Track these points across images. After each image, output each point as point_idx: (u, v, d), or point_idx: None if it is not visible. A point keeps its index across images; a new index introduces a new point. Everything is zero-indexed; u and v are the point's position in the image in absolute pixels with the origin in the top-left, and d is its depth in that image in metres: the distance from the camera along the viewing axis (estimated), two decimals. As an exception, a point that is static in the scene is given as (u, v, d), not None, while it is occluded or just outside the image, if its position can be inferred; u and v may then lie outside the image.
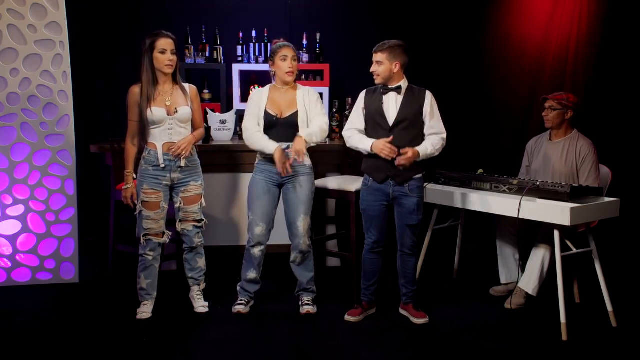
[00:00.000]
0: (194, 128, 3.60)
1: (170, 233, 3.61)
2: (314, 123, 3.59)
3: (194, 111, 3.57)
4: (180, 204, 3.55)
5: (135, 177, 3.51)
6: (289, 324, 3.54)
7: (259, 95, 3.64)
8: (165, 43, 3.41)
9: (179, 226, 3.59)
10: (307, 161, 3.62)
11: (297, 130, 3.56)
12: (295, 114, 3.58)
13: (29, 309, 3.78)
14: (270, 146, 3.49)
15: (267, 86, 3.69)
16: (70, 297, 3.99)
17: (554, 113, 3.84)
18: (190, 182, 3.54)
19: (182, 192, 3.54)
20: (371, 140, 3.38)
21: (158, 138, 3.46)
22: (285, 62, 3.54)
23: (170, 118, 3.45)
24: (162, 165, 3.46)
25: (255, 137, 3.55)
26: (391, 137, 3.33)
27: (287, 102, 3.60)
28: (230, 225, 4.49)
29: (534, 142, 4.08)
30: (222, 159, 4.37)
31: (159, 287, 3.66)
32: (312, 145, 3.59)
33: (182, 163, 3.47)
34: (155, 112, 3.42)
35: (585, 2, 5.24)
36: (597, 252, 3.52)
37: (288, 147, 3.53)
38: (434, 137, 3.41)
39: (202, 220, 3.63)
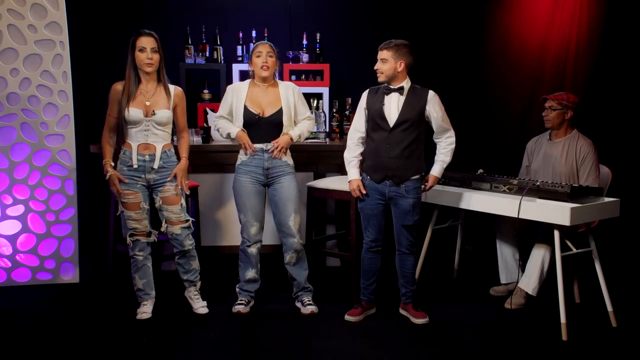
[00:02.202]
0: (178, 132, 3.56)
1: (157, 232, 3.60)
2: (302, 124, 3.66)
3: (178, 114, 3.53)
4: (160, 203, 3.53)
5: (113, 164, 3.47)
6: (289, 323, 3.54)
7: (238, 89, 3.61)
8: (144, 41, 3.38)
9: (164, 227, 3.55)
10: (290, 160, 3.64)
11: (280, 130, 3.57)
12: (279, 112, 3.56)
13: (29, 309, 3.78)
14: (233, 130, 3.56)
15: (247, 81, 3.66)
16: (70, 297, 3.99)
17: (554, 113, 3.84)
18: (167, 183, 3.50)
19: (160, 192, 3.51)
20: (353, 174, 3.50)
21: (134, 138, 3.45)
22: (260, 57, 3.53)
23: (147, 120, 3.42)
24: (135, 166, 3.44)
25: (221, 123, 3.62)
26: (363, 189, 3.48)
27: (269, 100, 3.58)
28: (229, 225, 4.49)
29: (534, 142, 4.08)
30: (222, 159, 4.36)
31: (159, 287, 3.66)
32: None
33: (186, 191, 3.52)
34: (132, 112, 3.40)
35: (585, 2, 5.24)
36: (597, 252, 3.52)
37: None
38: (444, 144, 3.46)
39: (188, 220, 3.57)
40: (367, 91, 3.54)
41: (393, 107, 3.40)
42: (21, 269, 4.19)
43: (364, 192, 3.47)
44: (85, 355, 3.15)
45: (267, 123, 3.55)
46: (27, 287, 4.16)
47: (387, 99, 3.42)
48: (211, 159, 4.30)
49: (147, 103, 3.43)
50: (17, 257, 4.18)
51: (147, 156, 3.45)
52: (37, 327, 3.50)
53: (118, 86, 3.45)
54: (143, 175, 3.47)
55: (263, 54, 3.53)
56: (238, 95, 3.58)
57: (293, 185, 3.63)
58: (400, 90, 3.40)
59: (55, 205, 4.19)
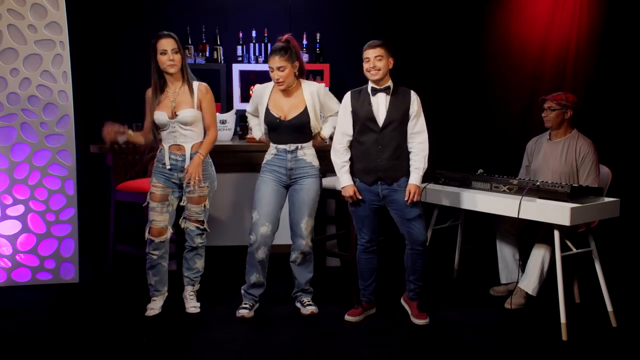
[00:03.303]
0: (205, 129, 3.54)
1: (172, 231, 3.62)
2: (331, 120, 3.65)
3: (203, 111, 3.51)
4: (185, 202, 3.56)
5: (132, 130, 3.62)
6: (290, 324, 3.54)
7: (261, 93, 3.59)
8: (164, 43, 3.40)
9: (182, 223, 3.60)
10: (316, 162, 3.60)
11: (304, 132, 3.53)
12: (302, 115, 3.50)
13: (29, 309, 3.78)
14: (257, 134, 3.75)
15: (271, 83, 3.60)
16: (70, 297, 3.99)
17: (553, 113, 3.84)
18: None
19: (188, 193, 3.54)
20: (345, 180, 3.45)
21: (165, 140, 3.52)
22: (273, 72, 3.44)
23: (172, 121, 3.45)
24: (168, 167, 3.49)
25: (251, 121, 3.81)
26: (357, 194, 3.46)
27: (292, 103, 3.52)
28: (231, 225, 4.49)
29: (534, 142, 4.08)
30: (222, 159, 4.35)
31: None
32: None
33: (194, 187, 3.45)
34: (158, 116, 3.45)
35: (585, 2, 5.24)
36: (597, 252, 3.52)
37: (297, 148, 3.53)
38: (417, 150, 3.38)
39: (204, 222, 3.59)
40: (349, 94, 3.48)
41: (381, 107, 3.39)
42: (21, 269, 4.19)
43: (359, 197, 3.46)
44: (85, 355, 3.15)
45: (289, 126, 3.51)
46: (27, 287, 4.16)
47: (374, 100, 3.40)
48: (214, 158, 4.29)
49: (173, 104, 3.45)
50: (17, 257, 4.18)
51: (179, 156, 3.49)
52: (37, 327, 3.50)
53: (149, 92, 3.51)
54: (176, 174, 3.51)
55: (274, 70, 3.42)
56: (261, 99, 3.57)
57: (314, 188, 3.57)
58: (387, 90, 3.40)
59: (55, 205, 4.19)
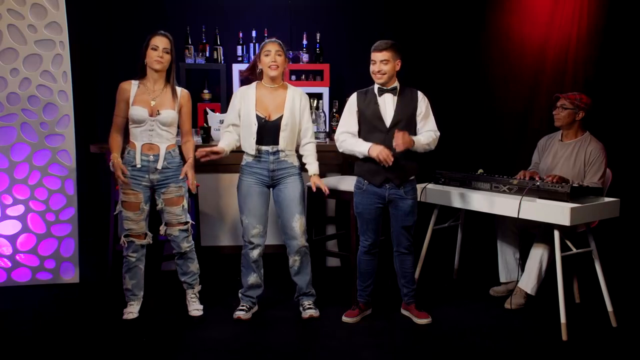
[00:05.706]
0: (182, 136, 3.55)
1: (152, 235, 3.59)
2: (313, 153, 3.63)
3: (182, 117, 3.52)
4: (162, 205, 3.52)
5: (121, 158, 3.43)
6: (289, 324, 3.54)
7: (246, 95, 3.54)
8: (158, 40, 3.41)
9: (162, 230, 3.55)
10: (297, 162, 3.59)
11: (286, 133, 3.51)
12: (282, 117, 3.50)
13: (29, 309, 3.78)
14: (222, 144, 3.51)
15: (253, 84, 3.59)
16: (70, 297, 3.99)
17: (564, 112, 3.80)
18: (171, 184, 3.49)
19: (163, 194, 3.50)
20: (367, 144, 3.34)
21: (138, 138, 3.45)
22: (268, 56, 3.47)
23: (152, 119, 3.42)
24: (138, 166, 3.43)
25: (222, 134, 3.61)
26: (389, 151, 3.29)
27: (277, 103, 3.52)
28: (229, 225, 4.49)
29: (545, 139, 4.04)
30: (222, 159, 4.35)
31: (160, 286, 3.66)
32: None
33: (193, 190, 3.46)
34: (136, 110, 3.41)
35: (585, 2, 5.24)
36: (597, 252, 3.52)
37: (278, 152, 3.49)
38: (427, 132, 3.41)
39: (187, 222, 3.57)
40: (355, 94, 3.48)
41: (388, 107, 3.39)
42: (21, 269, 4.19)
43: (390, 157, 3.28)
44: (85, 355, 3.15)
45: (273, 127, 3.50)
46: (27, 287, 4.16)
47: (380, 99, 3.40)
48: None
49: (153, 103, 3.43)
50: (17, 257, 4.18)
51: (151, 156, 3.44)
52: (37, 327, 3.50)
53: (125, 85, 3.46)
54: (147, 176, 3.46)
55: (272, 53, 3.47)
56: (247, 101, 3.53)
57: (297, 185, 3.57)
58: (393, 90, 3.40)
59: (55, 205, 4.19)
